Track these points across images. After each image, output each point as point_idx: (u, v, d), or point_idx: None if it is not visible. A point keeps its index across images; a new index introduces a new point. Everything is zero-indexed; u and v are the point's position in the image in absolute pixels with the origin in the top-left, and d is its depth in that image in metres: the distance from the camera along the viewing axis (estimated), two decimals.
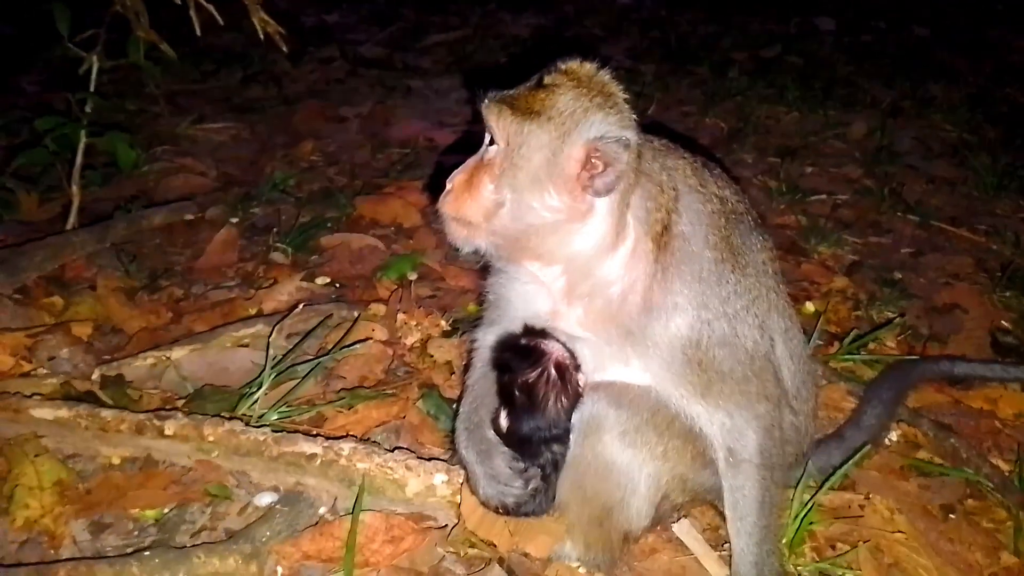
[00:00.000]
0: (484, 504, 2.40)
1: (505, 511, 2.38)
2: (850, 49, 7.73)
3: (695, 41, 7.83)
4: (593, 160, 2.01)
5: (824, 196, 4.83)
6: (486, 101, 2.10)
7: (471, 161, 2.17)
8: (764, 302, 2.31)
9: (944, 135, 5.93)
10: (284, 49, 3.58)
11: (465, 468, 2.44)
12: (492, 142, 2.12)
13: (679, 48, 7.53)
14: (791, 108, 6.13)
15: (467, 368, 2.64)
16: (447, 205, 2.16)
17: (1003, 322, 3.75)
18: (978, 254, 4.35)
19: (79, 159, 3.89)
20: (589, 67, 2.15)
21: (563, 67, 2.14)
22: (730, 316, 2.19)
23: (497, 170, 2.07)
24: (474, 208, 2.11)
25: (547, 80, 2.11)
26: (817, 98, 6.33)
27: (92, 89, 3.83)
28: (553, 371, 2.27)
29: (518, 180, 2.05)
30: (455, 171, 2.19)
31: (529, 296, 2.30)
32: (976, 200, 4.99)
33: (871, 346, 3.47)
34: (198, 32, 3.56)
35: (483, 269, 2.54)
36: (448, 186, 2.18)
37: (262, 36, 3.55)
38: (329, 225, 4.15)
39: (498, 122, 2.07)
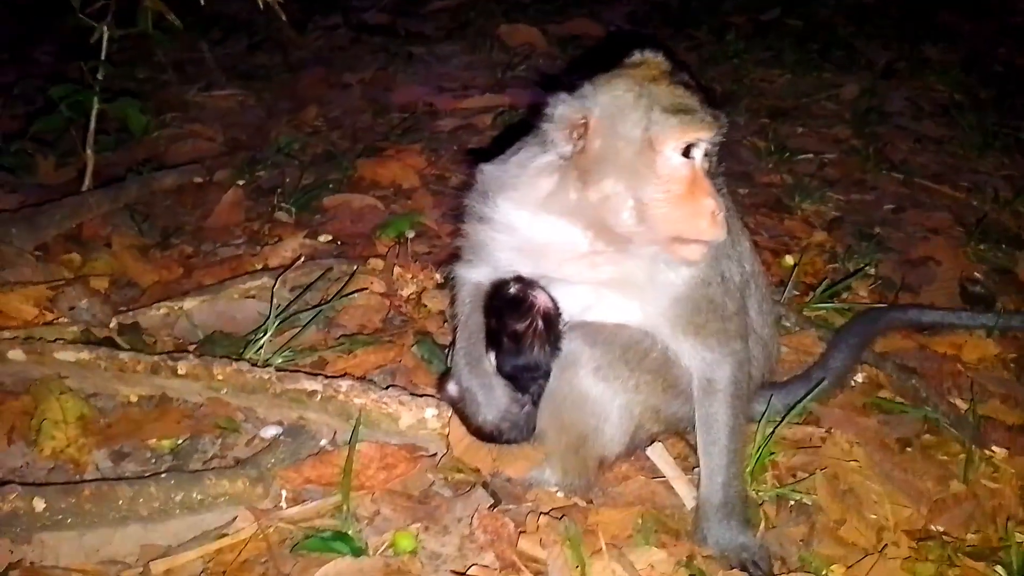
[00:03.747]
0: (480, 428, 2.57)
1: (499, 436, 2.57)
2: (851, 11, 7.74)
3: (696, 4, 7.86)
4: None
5: (811, 155, 4.94)
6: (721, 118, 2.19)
7: (709, 181, 2.21)
8: (742, 242, 2.52)
9: (936, 96, 5.99)
10: (283, 18, 3.74)
11: (465, 397, 2.59)
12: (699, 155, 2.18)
13: (680, 12, 7.58)
14: (786, 70, 6.20)
15: (452, 302, 2.78)
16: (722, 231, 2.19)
17: (975, 273, 3.89)
18: (957, 209, 4.47)
19: (92, 125, 4.07)
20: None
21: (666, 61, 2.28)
22: (721, 259, 2.39)
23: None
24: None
25: (683, 80, 2.22)
26: (813, 60, 6.38)
27: (103, 58, 3.99)
28: (540, 322, 2.38)
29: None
30: (708, 196, 2.18)
31: None
32: (961, 158, 5.09)
33: (844, 296, 3.62)
34: (202, 2, 3.73)
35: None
36: (716, 212, 2.16)
37: (262, 6, 3.71)
38: (331, 186, 4.32)
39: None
